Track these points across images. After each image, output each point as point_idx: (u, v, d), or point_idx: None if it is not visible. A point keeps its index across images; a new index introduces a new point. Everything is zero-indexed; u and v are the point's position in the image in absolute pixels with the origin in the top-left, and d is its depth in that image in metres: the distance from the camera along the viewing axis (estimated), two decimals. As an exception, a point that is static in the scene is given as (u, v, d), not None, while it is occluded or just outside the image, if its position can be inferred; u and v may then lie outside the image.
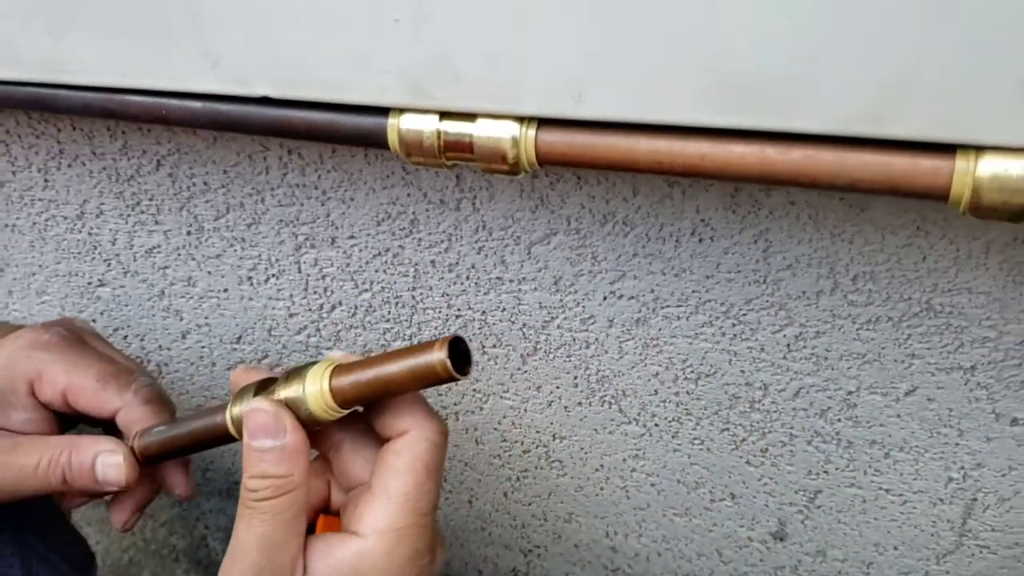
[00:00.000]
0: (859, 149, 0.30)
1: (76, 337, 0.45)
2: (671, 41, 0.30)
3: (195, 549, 0.79)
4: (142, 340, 0.61)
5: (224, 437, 0.39)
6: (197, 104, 0.38)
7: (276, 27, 0.34)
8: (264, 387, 0.37)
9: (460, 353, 0.34)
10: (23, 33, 0.39)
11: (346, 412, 0.36)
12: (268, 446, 0.36)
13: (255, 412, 0.36)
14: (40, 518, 0.48)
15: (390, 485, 0.37)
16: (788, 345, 0.45)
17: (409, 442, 0.37)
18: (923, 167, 0.30)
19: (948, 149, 0.29)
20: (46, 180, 0.54)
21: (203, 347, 0.60)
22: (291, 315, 0.55)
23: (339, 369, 0.36)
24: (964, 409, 0.44)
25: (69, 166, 0.52)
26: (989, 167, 0.29)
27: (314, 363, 0.37)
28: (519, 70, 0.32)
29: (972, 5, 0.26)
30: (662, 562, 0.60)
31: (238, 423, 0.38)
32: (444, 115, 0.35)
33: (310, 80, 0.35)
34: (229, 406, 0.38)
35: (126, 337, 0.62)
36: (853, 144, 0.30)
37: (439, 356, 0.33)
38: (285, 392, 0.36)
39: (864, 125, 0.29)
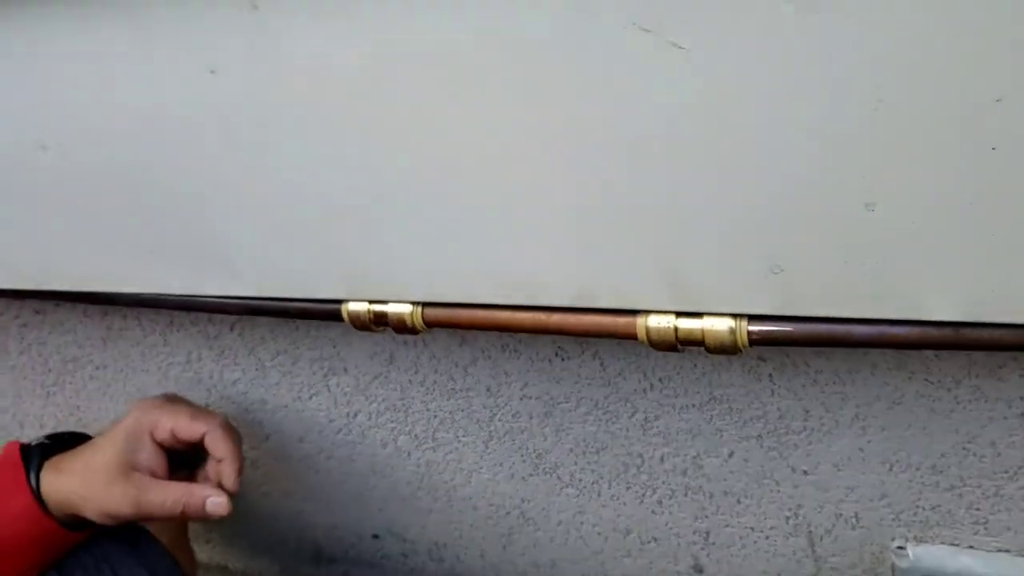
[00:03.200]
0: (584, 313, 0.50)
1: (174, 397, 0.69)
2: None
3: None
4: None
5: None
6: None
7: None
8: None
9: None
10: (124, 258, 0.64)
11: None
12: None
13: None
14: (130, 533, 0.70)
15: None
16: (642, 426, 0.64)
17: None
18: (620, 321, 0.49)
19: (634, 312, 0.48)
20: (165, 340, 0.81)
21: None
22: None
23: None
24: (769, 465, 0.61)
25: (174, 331, 0.79)
26: (652, 321, 0.47)
27: None
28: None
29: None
30: (622, 594, 0.78)
31: None
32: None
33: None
34: None
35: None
36: (577, 311, 0.50)
37: None
38: None
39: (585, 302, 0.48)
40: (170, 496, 0.63)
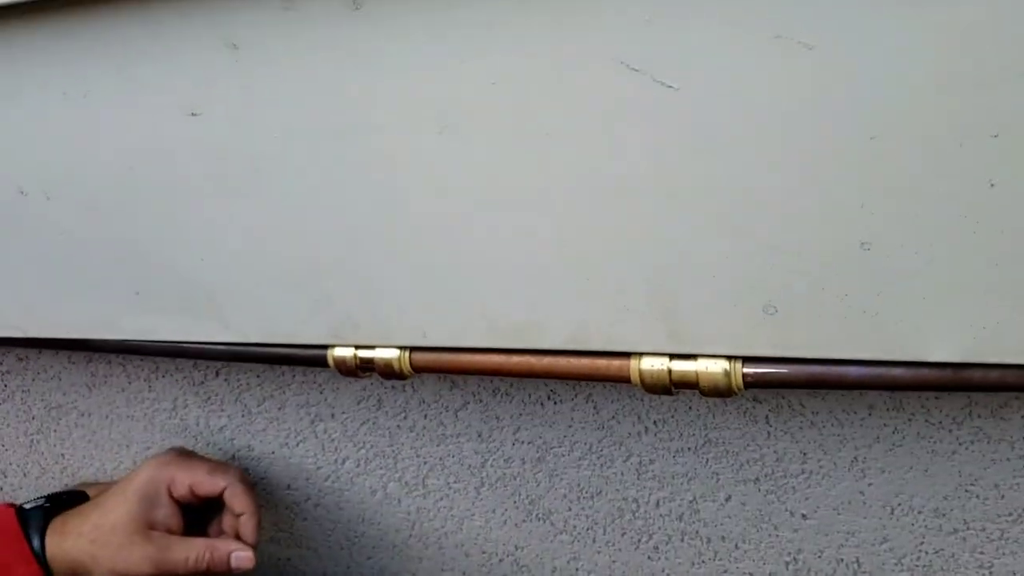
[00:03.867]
0: (576, 356, 0.48)
1: (186, 451, 0.68)
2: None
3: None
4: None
5: None
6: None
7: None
8: None
9: None
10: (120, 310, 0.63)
11: None
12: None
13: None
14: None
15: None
16: (636, 470, 0.62)
17: None
18: (613, 364, 0.48)
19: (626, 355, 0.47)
20: (150, 387, 0.79)
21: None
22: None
23: None
24: (767, 509, 0.60)
25: (158, 378, 0.77)
26: (645, 364, 0.46)
27: None
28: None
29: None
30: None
31: None
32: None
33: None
34: None
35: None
36: (568, 354, 0.48)
37: None
38: None
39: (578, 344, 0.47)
40: (193, 552, 0.62)
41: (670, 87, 0.37)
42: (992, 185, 0.35)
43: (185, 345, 0.61)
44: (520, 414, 0.63)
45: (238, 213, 0.49)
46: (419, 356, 0.52)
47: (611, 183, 0.41)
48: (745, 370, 0.44)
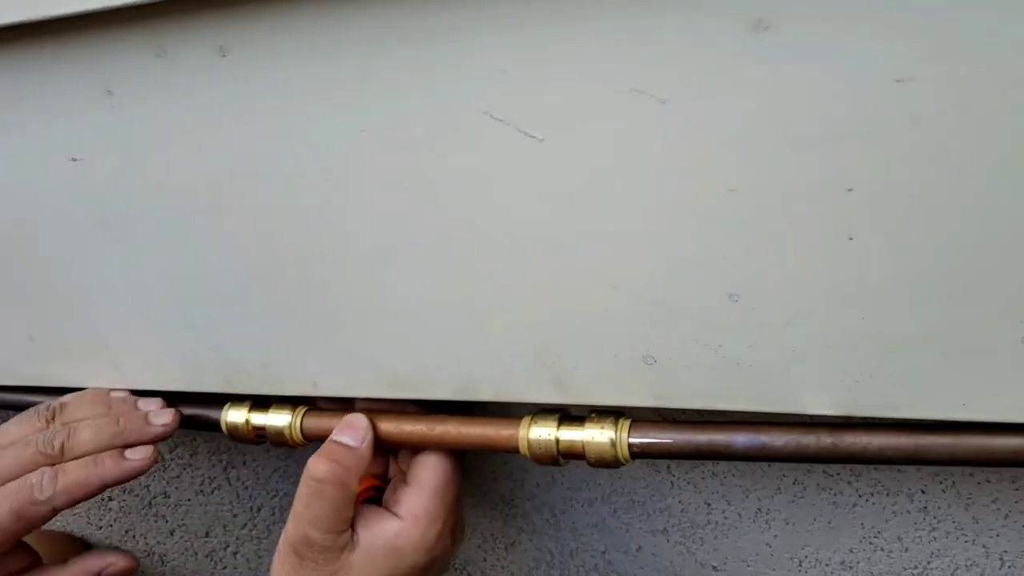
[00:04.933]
0: (468, 424, 0.47)
1: None
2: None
3: None
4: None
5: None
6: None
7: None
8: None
9: None
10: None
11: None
12: (347, 442, 0.46)
13: (355, 417, 0.48)
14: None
15: (422, 478, 0.47)
16: (549, 520, 0.61)
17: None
18: (502, 434, 0.47)
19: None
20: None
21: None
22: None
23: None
24: (678, 560, 0.59)
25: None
26: (533, 434, 0.45)
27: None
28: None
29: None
30: None
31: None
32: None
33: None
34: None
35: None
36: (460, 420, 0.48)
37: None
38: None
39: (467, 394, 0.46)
40: None
41: (534, 137, 0.36)
42: (850, 239, 0.34)
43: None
44: (430, 462, 0.62)
45: (125, 258, 0.49)
46: (311, 422, 0.51)
47: (488, 233, 0.40)
48: (631, 440, 0.43)
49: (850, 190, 0.34)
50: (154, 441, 0.52)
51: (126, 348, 0.53)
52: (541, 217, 0.39)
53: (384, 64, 0.37)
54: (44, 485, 0.47)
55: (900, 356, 0.36)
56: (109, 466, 0.49)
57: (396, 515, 0.46)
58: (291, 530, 0.45)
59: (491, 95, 0.36)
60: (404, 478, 0.49)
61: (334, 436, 0.47)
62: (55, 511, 0.48)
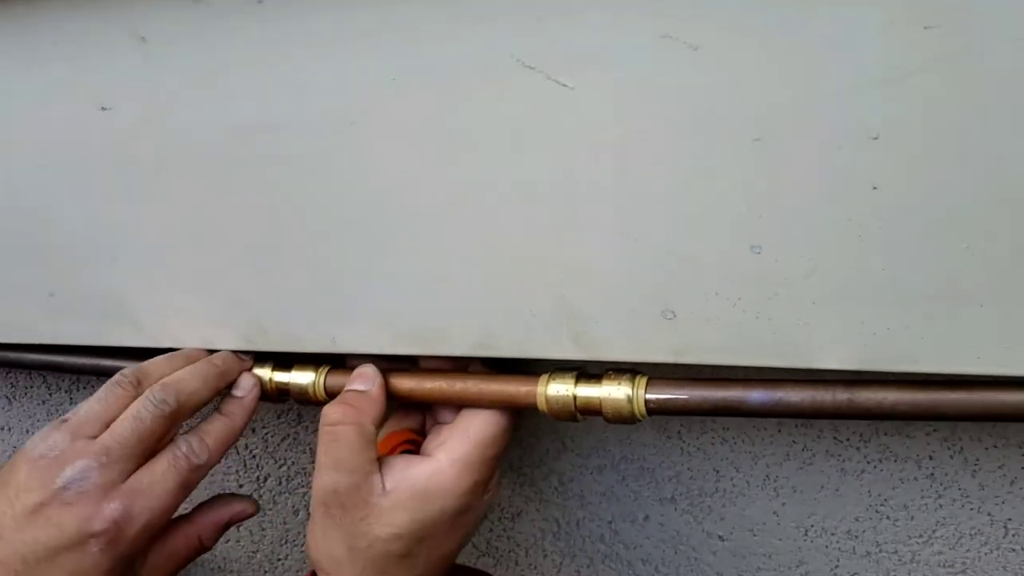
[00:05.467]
0: (486, 381, 0.48)
1: None
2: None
3: None
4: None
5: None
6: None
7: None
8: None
9: None
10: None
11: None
12: (358, 388, 0.47)
13: (365, 367, 0.48)
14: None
15: (471, 426, 0.46)
16: (557, 489, 0.62)
17: None
18: (521, 390, 0.47)
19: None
20: (71, 399, 0.77)
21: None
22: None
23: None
24: (685, 530, 0.59)
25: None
26: (551, 390, 0.46)
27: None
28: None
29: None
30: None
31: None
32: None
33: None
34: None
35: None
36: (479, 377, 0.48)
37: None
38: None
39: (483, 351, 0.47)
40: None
41: (565, 86, 0.37)
42: (874, 188, 0.35)
43: (104, 365, 0.59)
44: (440, 430, 0.63)
45: (148, 212, 0.49)
46: (333, 380, 0.52)
47: (512, 184, 0.41)
48: (648, 396, 0.44)
49: (875, 138, 0.34)
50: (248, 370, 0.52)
51: (146, 306, 0.54)
52: (564, 167, 0.40)
53: (415, 11, 0.38)
54: (197, 450, 0.48)
55: (918, 308, 0.37)
56: (235, 410, 0.51)
57: (432, 456, 0.45)
58: (316, 484, 0.45)
59: (524, 42, 0.37)
60: (452, 424, 0.48)
61: (346, 387, 0.48)
62: (209, 471, 0.49)
